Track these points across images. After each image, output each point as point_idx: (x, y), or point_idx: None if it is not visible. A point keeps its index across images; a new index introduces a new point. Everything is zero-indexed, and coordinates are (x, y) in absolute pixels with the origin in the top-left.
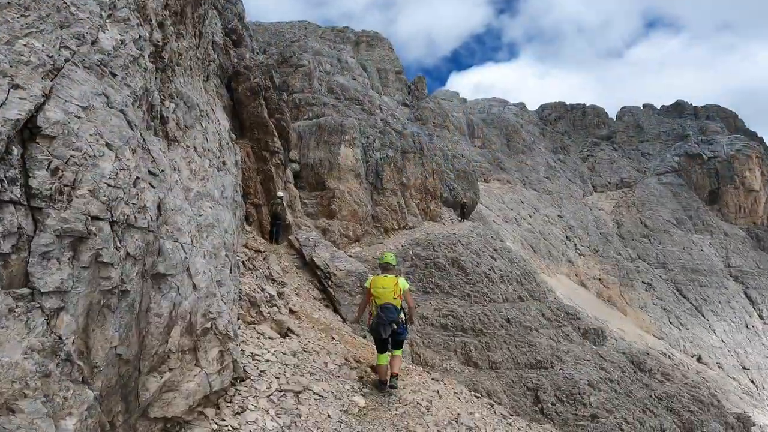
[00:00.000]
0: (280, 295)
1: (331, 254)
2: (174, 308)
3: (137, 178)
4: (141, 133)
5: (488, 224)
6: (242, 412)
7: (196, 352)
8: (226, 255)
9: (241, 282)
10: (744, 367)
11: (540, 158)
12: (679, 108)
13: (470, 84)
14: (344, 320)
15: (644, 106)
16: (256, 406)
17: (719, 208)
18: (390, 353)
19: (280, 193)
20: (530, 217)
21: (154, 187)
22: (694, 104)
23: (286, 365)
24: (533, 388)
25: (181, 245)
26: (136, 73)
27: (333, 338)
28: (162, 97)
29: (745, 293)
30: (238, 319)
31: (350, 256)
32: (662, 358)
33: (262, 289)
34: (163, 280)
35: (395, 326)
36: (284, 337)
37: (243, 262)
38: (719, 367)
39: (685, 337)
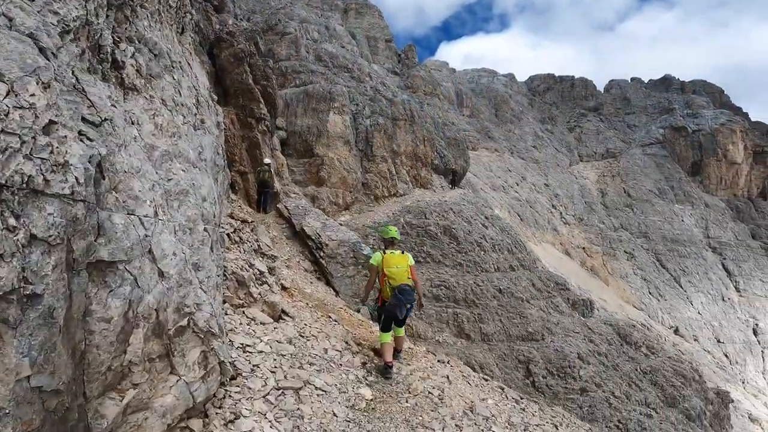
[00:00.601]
0: (271, 270)
1: (322, 223)
2: (131, 307)
3: (52, 123)
4: (73, 71)
5: (477, 192)
6: (235, 419)
7: (170, 358)
8: (206, 229)
9: (227, 259)
10: (719, 341)
11: (528, 128)
12: (666, 82)
13: (460, 54)
14: (337, 293)
15: (632, 79)
16: (251, 411)
17: (701, 180)
18: (394, 332)
19: (267, 160)
20: (517, 185)
21: (91, 140)
22: (682, 79)
23: (283, 356)
24: (525, 361)
25: (140, 219)
26: (72, 1)
27: (330, 318)
28: (117, 38)
29: (723, 264)
30: (224, 302)
31: (340, 224)
32: (647, 331)
33: (251, 266)
34: (111, 271)
35: (410, 306)
36: (278, 321)
37: (228, 235)
38: (695, 339)
39: (664, 308)
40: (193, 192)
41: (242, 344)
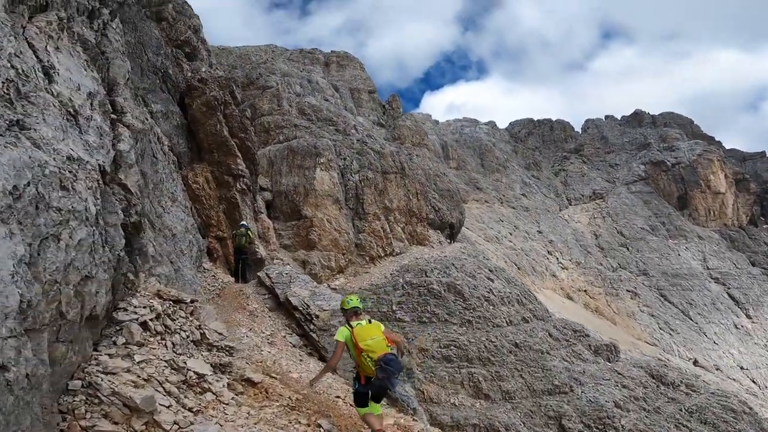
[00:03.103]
0: (224, 367)
1: (310, 291)
2: None
3: None
4: None
5: (473, 244)
6: None
7: None
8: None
9: (114, 368)
10: (742, 368)
11: (514, 176)
12: (637, 117)
13: (443, 104)
14: (335, 371)
15: (606, 117)
16: None
17: (689, 213)
18: (370, 409)
19: (243, 222)
20: (511, 234)
21: None
22: (651, 113)
23: None
24: (556, 417)
25: None
26: None
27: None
28: None
29: (728, 294)
30: None
31: (333, 289)
32: (683, 368)
33: (178, 369)
34: None
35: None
36: None
37: (145, 323)
38: (717, 369)
39: (678, 341)
40: None
41: None
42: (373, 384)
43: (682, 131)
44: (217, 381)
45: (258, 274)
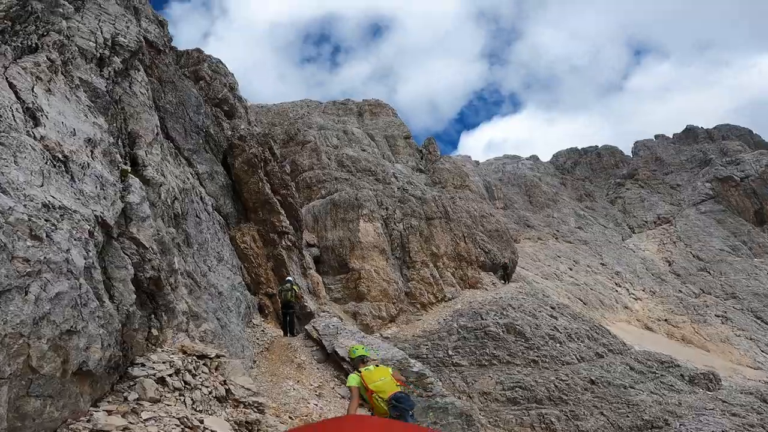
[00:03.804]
0: (250, 426)
1: (358, 341)
2: None
3: None
4: None
5: (530, 284)
6: None
7: None
8: None
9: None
10: None
11: (566, 209)
12: (691, 133)
13: (482, 143)
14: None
15: (657, 137)
16: None
17: None
18: None
19: (288, 278)
20: (571, 270)
21: None
22: (705, 127)
23: None
24: None
25: None
26: None
27: None
28: None
29: None
30: None
31: (386, 338)
32: None
33: (193, 427)
34: None
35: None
36: None
37: (162, 379)
38: None
39: None
40: None
41: None
42: None
43: (742, 142)
44: None
45: (305, 327)
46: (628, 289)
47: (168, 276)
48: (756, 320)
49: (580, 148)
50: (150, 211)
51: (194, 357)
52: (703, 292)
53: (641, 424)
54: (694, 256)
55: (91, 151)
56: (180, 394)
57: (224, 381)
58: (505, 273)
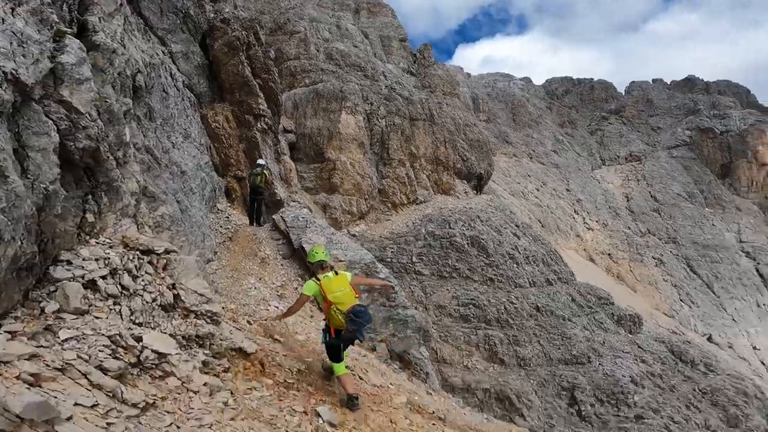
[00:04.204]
0: (202, 340)
1: (327, 238)
2: None
3: None
4: None
5: (499, 198)
6: None
7: None
8: None
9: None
10: (755, 348)
11: (547, 132)
12: (690, 83)
13: (479, 57)
14: None
15: (654, 80)
16: None
17: (731, 183)
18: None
19: (260, 161)
20: (537, 190)
21: None
22: (706, 80)
23: None
24: (569, 388)
25: None
26: None
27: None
28: None
29: (757, 270)
30: None
31: (353, 236)
32: (705, 347)
33: (125, 348)
34: None
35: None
36: None
37: (93, 282)
38: (730, 347)
39: (696, 315)
40: None
41: None
42: (343, 336)
43: (736, 100)
44: (187, 361)
45: (273, 216)
46: (584, 218)
47: (114, 149)
48: (686, 268)
49: (575, 78)
50: (92, 75)
51: (137, 252)
52: (649, 232)
53: (569, 357)
54: (651, 197)
55: (12, 9)
56: (115, 303)
57: (173, 284)
58: (479, 183)
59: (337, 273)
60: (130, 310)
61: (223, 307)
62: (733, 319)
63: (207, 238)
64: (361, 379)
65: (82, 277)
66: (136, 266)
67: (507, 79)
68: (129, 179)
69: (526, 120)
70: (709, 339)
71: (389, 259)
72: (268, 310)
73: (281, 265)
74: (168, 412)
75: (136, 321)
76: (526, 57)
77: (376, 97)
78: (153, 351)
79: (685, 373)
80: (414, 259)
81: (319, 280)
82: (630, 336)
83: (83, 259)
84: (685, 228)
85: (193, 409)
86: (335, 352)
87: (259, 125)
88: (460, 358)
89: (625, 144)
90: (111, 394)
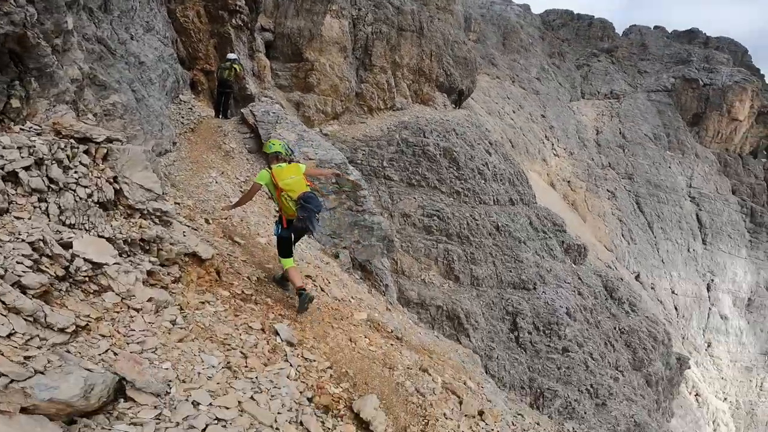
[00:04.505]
0: (147, 245)
1: (298, 135)
2: None
3: None
4: None
5: (476, 115)
6: None
7: None
8: None
9: None
10: (673, 292)
11: (534, 60)
12: (691, 35)
13: None
14: (311, 232)
15: (655, 27)
16: None
17: (698, 131)
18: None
19: (231, 55)
20: (514, 113)
21: None
22: (708, 34)
23: None
24: (513, 313)
25: None
26: None
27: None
28: None
29: (697, 215)
30: None
31: (325, 135)
32: (633, 285)
33: (55, 255)
34: None
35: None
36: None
37: (16, 174)
38: (652, 288)
39: (632, 252)
40: None
41: None
42: (295, 226)
43: (731, 58)
44: (129, 271)
45: (242, 110)
46: (553, 144)
47: (51, 36)
48: (634, 204)
49: (575, 12)
50: None
51: (72, 141)
52: (610, 165)
53: (517, 282)
54: (620, 133)
55: None
56: (40, 200)
57: (114, 178)
58: (459, 98)
59: (290, 162)
60: (60, 208)
61: (177, 203)
62: (662, 261)
63: (165, 128)
64: (322, 291)
65: (1, 168)
66: (68, 156)
67: (505, 3)
68: (69, 66)
69: (515, 46)
70: (637, 277)
71: (360, 161)
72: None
73: (247, 159)
74: (103, 336)
75: (67, 222)
76: None
77: (365, 2)
78: (85, 260)
79: (611, 311)
80: (385, 164)
81: (271, 168)
82: (574, 266)
83: (3, 147)
84: (643, 166)
85: (134, 330)
86: (286, 246)
87: (233, 21)
88: (419, 272)
89: (608, 82)
90: (32, 319)
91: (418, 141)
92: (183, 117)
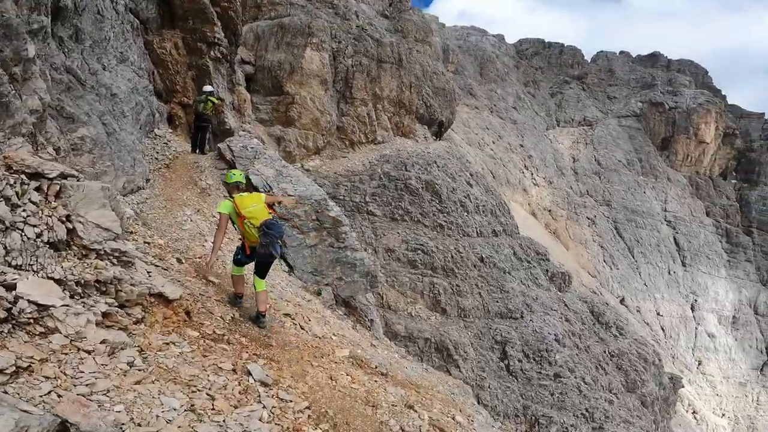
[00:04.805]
0: (103, 286)
1: (277, 171)
2: None
3: None
4: None
5: (457, 146)
6: None
7: None
8: None
9: None
10: (658, 314)
11: (511, 89)
12: (653, 59)
13: (456, 10)
14: (291, 269)
15: (621, 52)
16: None
17: (668, 155)
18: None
19: (207, 88)
20: (493, 143)
21: None
22: (669, 57)
23: None
24: (502, 342)
25: None
26: None
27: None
28: None
29: (674, 238)
30: None
31: (306, 170)
32: (619, 309)
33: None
34: None
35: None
36: None
37: None
38: (638, 310)
39: (615, 277)
40: None
41: None
42: (258, 252)
43: (692, 80)
44: (79, 314)
45: (219, 145)
46: (532, 174)
47: (8, 63)
48: (614, 230)
49: (546, 41)
50: None
51: (22, 176)
52: (588, 193)
53: (504, 311)
54: (595, 160)
55: None
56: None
57: (67, 216)
58: (439, 130)
59: (251, 192)
60: (5, 248)
61: (146, 242)
62: (645, 284)
63: (138, 163)
64: (302, 329)
65: None
66: (17, 192)
67: (480, 34)
68: (29, 96)
69: (492, 75)
70: (622, 301)
71: (342, 197)
72: (204, 246)
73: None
74: (47, 378)
75: (13, 263)
76: (503, 14)
77: (345, 36)
78: (30, 302)
79: (599, 335)
80: (367, 199)
81: (233, 198)
82: (559, 294)
83: None
84: (619, 193)
85: (83, 372)
86: (260, 269)
87: (212, 53)
88: (405, 305)
89: (581, 109)
90: None
91: (400, 175)
92: (158, 152)
